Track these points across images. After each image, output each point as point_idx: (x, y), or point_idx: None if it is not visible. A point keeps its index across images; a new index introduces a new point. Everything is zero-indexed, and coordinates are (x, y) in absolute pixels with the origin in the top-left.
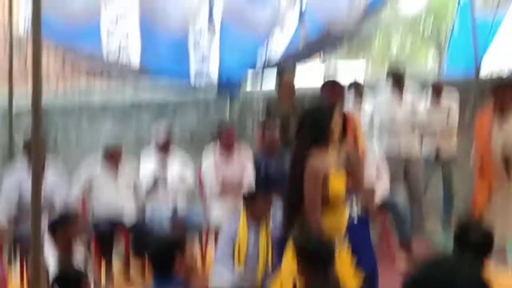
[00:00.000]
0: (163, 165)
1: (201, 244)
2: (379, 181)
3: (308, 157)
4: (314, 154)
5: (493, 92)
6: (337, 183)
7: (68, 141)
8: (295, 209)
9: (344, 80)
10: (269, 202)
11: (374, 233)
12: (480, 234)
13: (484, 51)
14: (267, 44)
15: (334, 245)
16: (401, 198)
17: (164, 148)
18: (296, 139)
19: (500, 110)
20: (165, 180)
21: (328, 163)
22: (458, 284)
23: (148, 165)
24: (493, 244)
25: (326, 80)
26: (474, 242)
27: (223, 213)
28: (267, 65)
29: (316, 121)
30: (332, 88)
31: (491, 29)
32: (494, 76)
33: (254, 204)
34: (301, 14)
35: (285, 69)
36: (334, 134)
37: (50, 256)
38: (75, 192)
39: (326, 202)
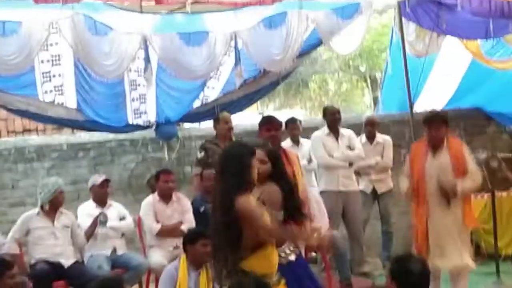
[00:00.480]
0: (101, 215)
1: None
2: (320, 217)
3: (236, 199)
4: (242, 195)
5: (426, 125)
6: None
7: (3, 184)
8: (227, 255)
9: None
10: (209, 246)
11: (316, 271)
12: (417, 270)
13: (418, 88)
14: (204, 84)
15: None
16: (341, 235)
17: (102, 202)
18: (218, 182)
19: (433, 141)
20: (103, 226)
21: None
22: None
23: (86, 216)
24: (429, 279)
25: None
26: (411, 279)
27: (162, 259)
28: (204, 104)
29: (236, 161)
30: (269, 123)
31: (424, 66)
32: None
33: (194, 249)
34: (237, 55)
35: (222, 109)
36: (254, 174)
37: None
38: (12, 235)
39: (258, 242)
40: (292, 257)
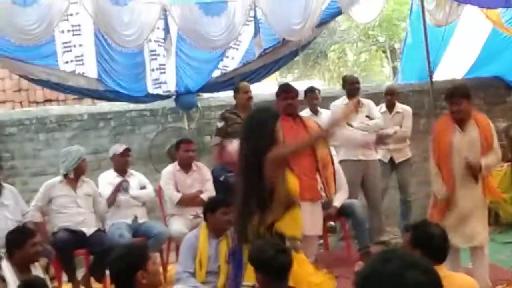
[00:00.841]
0: (124, 182)
1: (162, 258)
2: (339, 188)
3: (266, 159)
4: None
5: (447, 100)
6: (293, 181)
7: (25, 154)
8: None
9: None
10: (229, 214)
11: (335, 240)
12: (437, 236)
13: (438, 57)
14: (224, 54)
15: (290, 254)
16: (360, 205)
17: (123, 171)
18: (245, 148)
19: (456, 116)
20: (125, 193)
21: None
22: (409, 278)
23: (107, 184)
24: (448, 247)
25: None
26: (431, 244)
27: (182, 227)
28: (223, 74)
29: (261, 126)
30: (286, 92)
31: (444, 35)
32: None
33: (215, 217)
34: (256, 25)
35: (241, 79)
36: (280, 136)
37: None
38: (35, 204)
39: (288, 203)
40: None
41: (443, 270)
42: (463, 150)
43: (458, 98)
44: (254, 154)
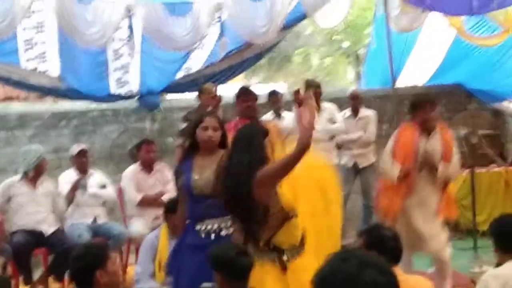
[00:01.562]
0: (82, 179)
1: (121, 260)
2: None
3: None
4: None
5: (421, 106)
6: (287, 194)
7: None
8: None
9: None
10: None
11: None
12: (389, 238)
13: (401, 64)
14: (188, 55)
15: (251, 255)
16: None
17: (83, 171)
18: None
19: (428, 124)
20: (84, 191)
21: None
22: (366, 277)
23: (66, 184)
24: (401, 249)
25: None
26: (383, 246)
27: (143, 229)
28: (187, 75)
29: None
30: (245, 95)
31: (407, 42)
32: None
33: (175, 217)
34: (221, 27)
35: (206, 80)
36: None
37: None
38: None
39: (281, 216)
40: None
41: (400, 273)
42: (424, 158)
43: (434, 104)
44: (243, 169)
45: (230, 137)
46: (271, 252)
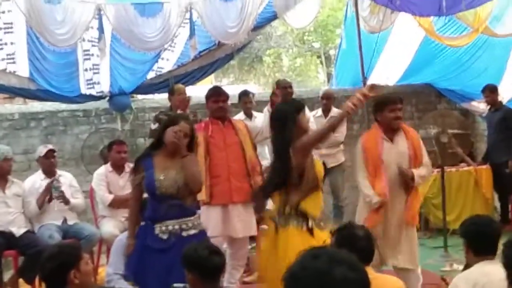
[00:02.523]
0: (54, 181)
1: (92, 261)
2: None
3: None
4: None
5: (384, 106)
6: (319, 166)
7: None
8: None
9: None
10: None
11: None
12: (360, 237)
13: (371, 64)
14: (159, 55)
15: (223, 255)
16: None
17: (50, 173)
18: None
19: (391, 125)
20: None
21: None
22: (337, 274)
23: (32, 189)
24: (373, 248)
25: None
26: (354, 245)
27: (114, 229)
28: (158, 76)
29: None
30: (216, 95)
31: (377, 42)
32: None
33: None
34: (192, 27)
35: (176, 80)
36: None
37: None
38: None
39: (312, 183)
40: (192, 232)
41: (371, 272)
42: (392, 161)
43: (401, 104)
44: (281, 143)
45: (201, 137)
46: (298, 217)
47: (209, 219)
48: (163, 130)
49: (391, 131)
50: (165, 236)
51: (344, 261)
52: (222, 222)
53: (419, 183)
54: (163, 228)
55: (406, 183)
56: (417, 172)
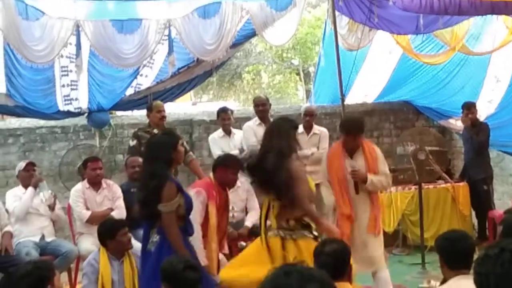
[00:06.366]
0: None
1: (70, 278)
2: (251, 208)
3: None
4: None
5: (344, 131)
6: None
7: None
8: None
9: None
10: (128, 234)
11: None
12: (335, 252)
13: (350, 81)
14: (137, 72)
15: (199, 270)
16: None
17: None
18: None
19: (349, 146)
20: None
21: None
22: None
23: (14, 199)
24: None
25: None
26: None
27: (92, 246)
28: (137, 93)
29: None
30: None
31: (356, 59)
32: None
33: (115, 242)
34: (170, 44)
35: (155, 97)
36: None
37: None
38: None
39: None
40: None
41: (348, 286)
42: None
43: (353, 135)
44: (277, 156)
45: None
46: (303, 228)
47: None
48: (175, 148)
49: (352, 148)
50: None
51: (315, 279)
52: None
53: (371, 185)
54: None
55: (358, 180)
56: (372, 176)
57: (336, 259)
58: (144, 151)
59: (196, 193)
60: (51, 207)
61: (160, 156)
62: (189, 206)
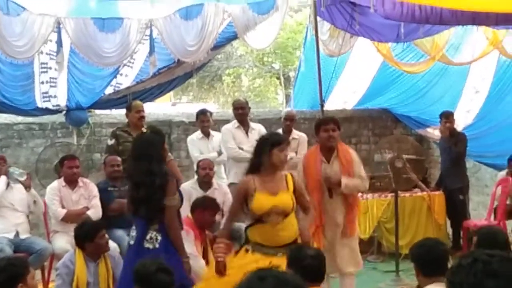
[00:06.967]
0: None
1: (43, 276)
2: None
3: None
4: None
5: (320, 127)
6: (259, 202)
7: None
8: None
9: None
10: (105, 236)
11: None
12: (310, 257)
13: (330, 87)
14: (117, 71)
15: (171, 274)
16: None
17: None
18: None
19: (327, 145)
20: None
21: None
22: None
23: None
24: (324, 269)
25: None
26: (303, 265)
27: (66, 244)
28: (116, 92)
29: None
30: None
31: (336, 66)
32: (339, 111)
33: (94, 244)
34: (151, 44)
35: (135, 97)
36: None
37: None
38: None
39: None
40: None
41: None
42: (326, 183)
43: (333, 124)
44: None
45: None
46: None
47: None
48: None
49: (328, 151)
50: None
51: (289, 283)
52: None
53: (346, 189)
54: None
55: (332, 185)
56: (346, 180)
57: (317, 263)
58: (132, 149)
59: (186, 232)
60: (26, 185)
61: (153, 154)
62: (181, 203)
